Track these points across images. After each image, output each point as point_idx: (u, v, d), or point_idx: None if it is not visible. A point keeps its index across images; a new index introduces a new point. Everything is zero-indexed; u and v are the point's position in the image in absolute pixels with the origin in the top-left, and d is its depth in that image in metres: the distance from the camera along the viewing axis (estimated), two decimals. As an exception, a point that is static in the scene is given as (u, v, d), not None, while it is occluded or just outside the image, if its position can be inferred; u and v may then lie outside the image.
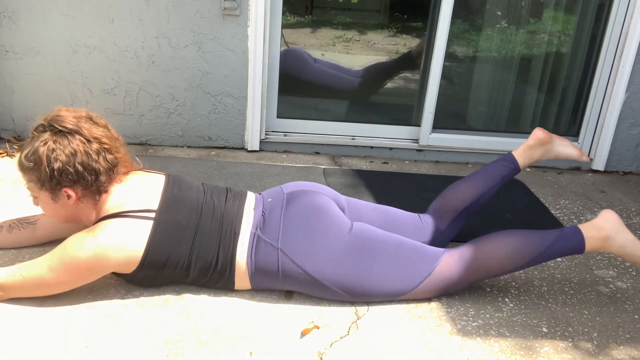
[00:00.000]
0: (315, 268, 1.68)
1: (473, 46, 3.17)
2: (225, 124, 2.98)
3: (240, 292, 1.77)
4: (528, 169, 3.13)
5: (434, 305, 1.79)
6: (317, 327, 1.64)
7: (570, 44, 3.19)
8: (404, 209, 2.08)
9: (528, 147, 2.05)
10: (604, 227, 1.76)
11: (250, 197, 1.84)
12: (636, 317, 1.83)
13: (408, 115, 3.22)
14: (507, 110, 3.27)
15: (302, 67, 3.18)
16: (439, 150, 3.14)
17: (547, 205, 2.63)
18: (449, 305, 1.79)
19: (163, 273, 1.68)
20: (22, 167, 1.64)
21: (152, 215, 1.64)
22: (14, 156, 2.70)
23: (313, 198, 1.78)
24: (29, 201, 2.18)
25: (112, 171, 1.66)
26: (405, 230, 1.94)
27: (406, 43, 3.20)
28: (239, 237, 1.70)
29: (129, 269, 1.65)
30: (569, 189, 2.86)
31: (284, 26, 2.94)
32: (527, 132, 3.23)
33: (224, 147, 3.04)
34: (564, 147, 2.09)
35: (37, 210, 2.08)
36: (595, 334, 1.72)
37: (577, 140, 3.19)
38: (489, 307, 1.81)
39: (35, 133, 1.63)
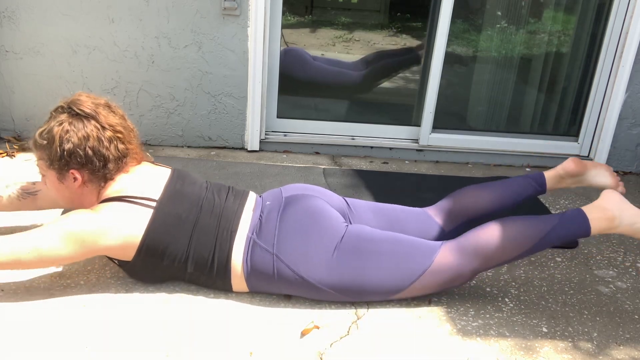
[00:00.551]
0: (310, 273, 1.68)
1: (473, 46, 3.18)
2: (225, 124, 2.98)
3: (240, 293, 1.77)
4: (528, 169, 3.13)
5: (433, 305, 1.79)
6: (317, 327, 1.64)
7: (570, 44, 3.19)
8: (404, 209, 2.07)
9: (558, 176, 2.01)
10: (607, 207, 1.70)
11: (251, 198, 1.84)
12: (636, 317, 1.83)
13: (408, 115, 3.22)
14: (507, 110, 3.27)
15: (302, 67, 3.18)
16: (439, 150, 3.14)
17: (547, 205, 2.64)
18: (449, 305, 1.79)
19: (162, 264, 1.68)
20: (35, 144, 1.68)
21: (153, 204, 1.66)
22: (14, 156, 2.70)
23: (309, 202, 1.77)
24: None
25: (121, 161, 1.69)
26: (406, 230, 1.91)
27: (406, 43, 3.20)
28: (235, 236, 1.71)
29: (127, 254, 1.65)
30: (569, 189, 2.86)
31: (284, 26, 2.94)
32: (527, 132, 3.24)
33: (224, 147, 3.04)
34: (598, 178, 2.01)
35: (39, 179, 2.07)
36: (595, 334, 1.72)
37: (577, 141, 3.19)
38: (489, 307, 1.81)
39: (53, 113, 1.68)
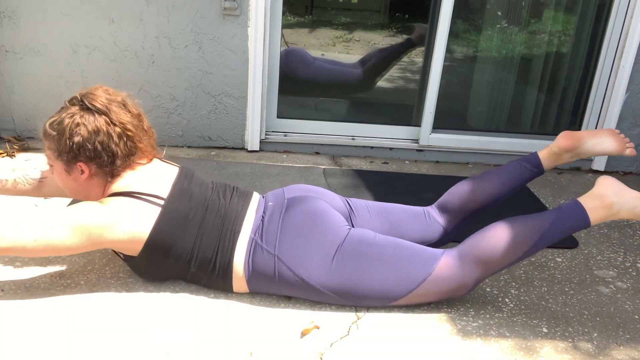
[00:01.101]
0: (311, 275, 1.67)
1: (473, 46, 3.18)
2: (226, 124, 2.98)
3: (240, 293, 1.77)
4: (528, 169, 3.13)
5: (433, 305, 1.79)
6: (317, 327, 1.64)
7: (570, 44, 3.19)
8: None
9: (553, 153, 1.92)
10: (604, 194, 1.64)
11: (255, 199, 1.84)
12: (636, 317, 1.83)
13: (408, 115, 3.22)
14: (507, 110, 3.27)
15: (302, 67, 3.18)
16: (439, 150, 3.14)
17: (547, 205, 2.63)
18: (449, 306, 1.79)
19: (167, 262, 1.69)
20: (45, 134, 1.68)
21: (161, 202, 1.66)
22: (14, 156, 2.70)
23: (311, 204, 1.77)
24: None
25: (129, 158, 1.69)
26: (408, 231, 1.91)
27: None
28: (238, 236, 1.71)
29: (134, 250, 1.65)
30: (569, 189, 2.86)
31: (284, 26, 2.94)
32: (527, 132, 3.24)
33: (224, 147, 3.04)
34: (601, 145, 1.88)
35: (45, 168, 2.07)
36: (595, 334, 1.72)
37: (577, 140, 3.18)
38: (489, 307, 1.81)
39: (67, 103, 1.68)
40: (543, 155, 1.93)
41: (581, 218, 1.65)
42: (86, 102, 1.65)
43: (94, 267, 1.86)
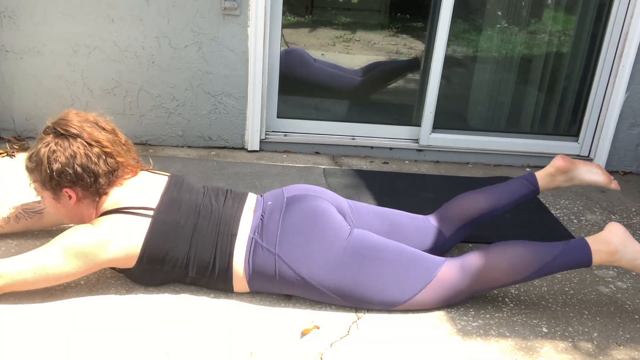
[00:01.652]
0: (311, 274, 1.68)
1: (473, 46, 3.18)
2: (226, 124, 2.98)
3: (240, 293, 1.77)
4: (528, 169, 3.13)
5: (434, 305, 1.79)
6: (317, 327, 1.64)
7: (570, 44, 3.19)
8: (404, 209, 2.07)
9: (549, 174, 2.02)
10: (611, 241, 1.71)
11: (251, 199, 1.84)
12: (636, 317, 1.83)
13: (408, 115, 3.22)
14: (507, 110, 3.27)
15: (303, 67, 3.18)
16: (439, 150, 3.14)
17: (547, 205, 2.64)
18: (448, 305, 1.79)
19: (162, 270, 1.69)
20: (27, 168, 1.71)
21: (151, 213, 1.67)
22: (14, 156, 2.70)
23: (312, 203, 1.78)
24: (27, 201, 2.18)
25: (112, 174, 1.70)
26: (408, 235, 1.92)
27: (406, 43, 3.20)
28: (236, 238, 1.71)
29: (129, 264, 1.66)
30: (569, 189, 2.86)
31: (284, 26, 2.94)
32: (527, 132, 3.24)
33: (224, 147, 3.04)
34: (590, 175, 2.02)
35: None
36: (595, 334, 1.72)
37: (577, 141, 3.19)
38: (489, 307, 1.81)
39: (42, 135, 1.70)
40: (540, 174, 2.03)
41: (584, 257, 1.71)
42: (59, 129, 1.66)
43: (94, 267, 1.86)
